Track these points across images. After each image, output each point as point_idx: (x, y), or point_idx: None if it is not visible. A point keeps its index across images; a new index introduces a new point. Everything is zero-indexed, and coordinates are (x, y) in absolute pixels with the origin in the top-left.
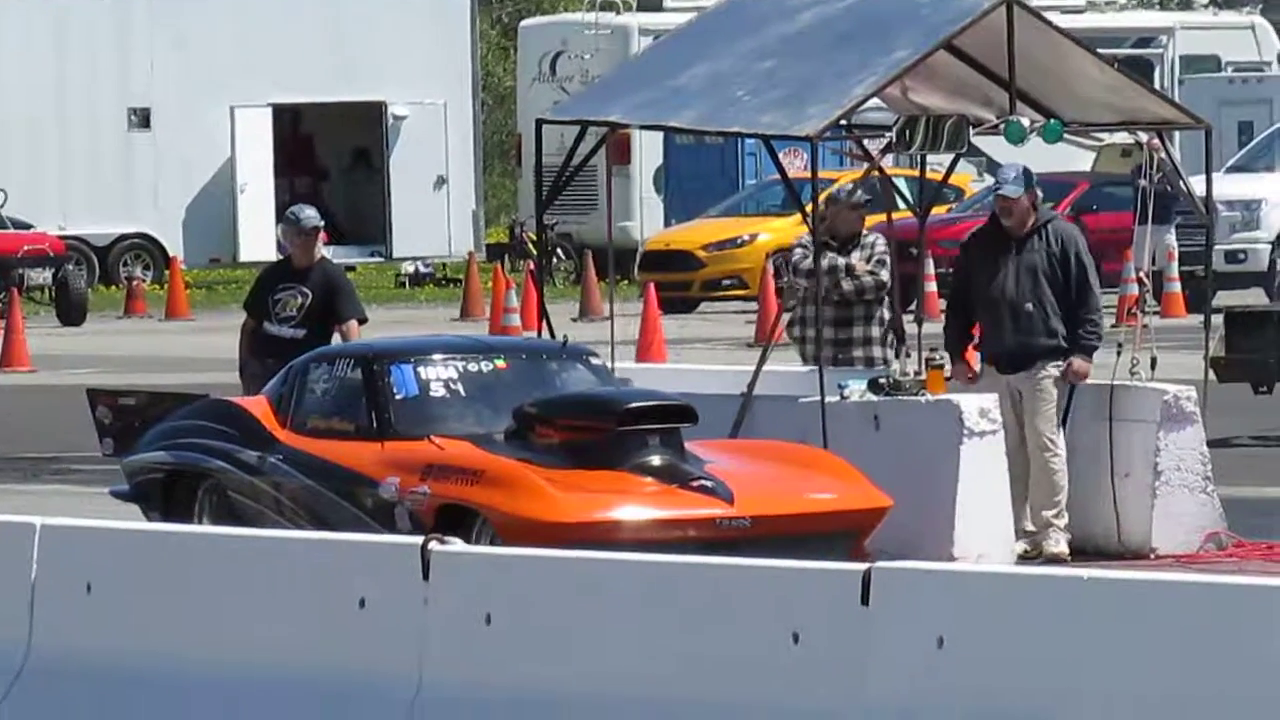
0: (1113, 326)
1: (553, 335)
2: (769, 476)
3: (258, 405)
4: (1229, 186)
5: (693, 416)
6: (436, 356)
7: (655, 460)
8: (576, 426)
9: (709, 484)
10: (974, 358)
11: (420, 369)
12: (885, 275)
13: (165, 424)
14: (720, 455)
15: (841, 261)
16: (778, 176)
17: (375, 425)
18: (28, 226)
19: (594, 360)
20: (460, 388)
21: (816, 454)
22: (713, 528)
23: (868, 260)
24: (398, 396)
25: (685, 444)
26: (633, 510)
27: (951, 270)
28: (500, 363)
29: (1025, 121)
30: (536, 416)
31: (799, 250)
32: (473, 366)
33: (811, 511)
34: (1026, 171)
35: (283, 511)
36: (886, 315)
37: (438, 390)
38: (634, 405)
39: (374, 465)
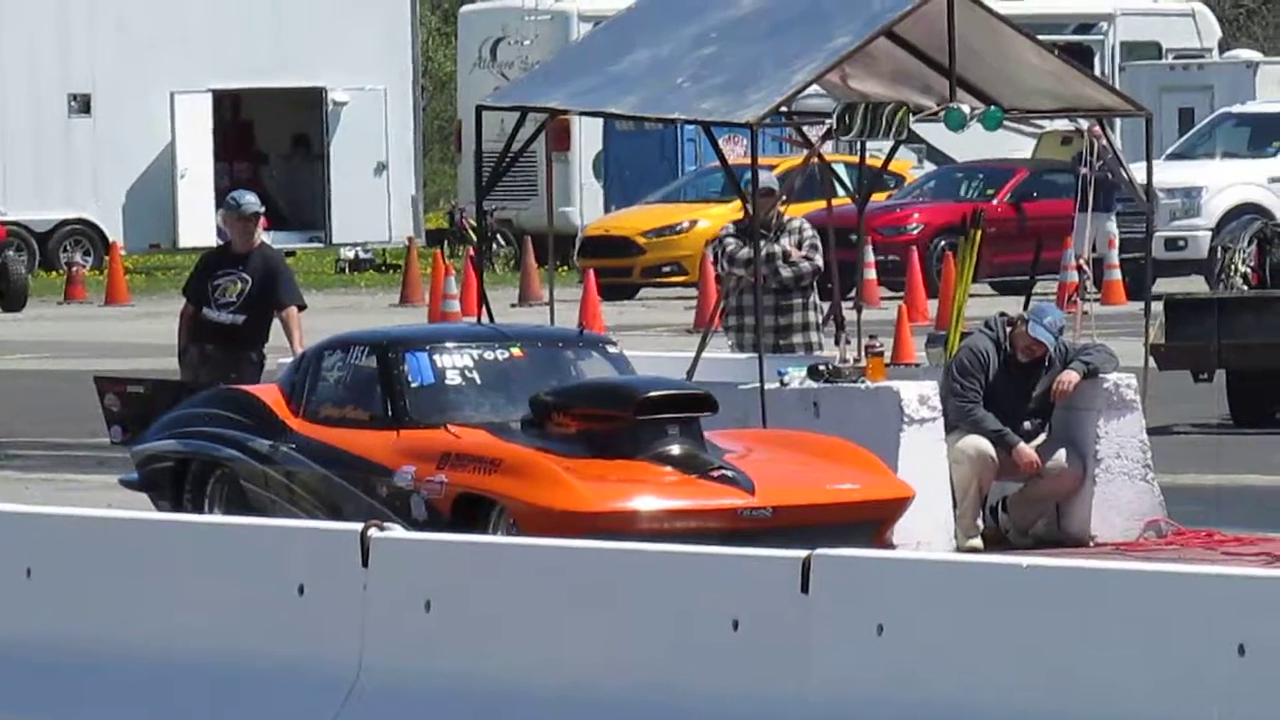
0: None
1: (491, 320)
2: (790, 466)
3: (269, 393)
4: (1169, 174)
5: (712, 405)
6: (451, 344)
7: (675, 450)
8: (594, 415)
9: (729, 474)
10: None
11: (436, 357)
12: (820, 260)
13: (175, 412)
14: (741, 445)
15: (777, 248)
16: (717, 163)
17: (390, 413)
18: None
19: (611, 348)
20: (476, 376)
21: (838, 444)
22: (733, 518)
23: (799, 245)
24: (413, 384)
25: (705, 433)
26: (652, 500)
27: (960, 365)
28: (516, 351)
29: (965, 109)
30: (553, 405)
31: (731, 241)
32: (488, 354)
33: (833, 502)
34: (1060, 321)
35: (295, 501)
36: (819, 301)
37: (453, 378)
38: (653, 394)
39: (389, 454)
